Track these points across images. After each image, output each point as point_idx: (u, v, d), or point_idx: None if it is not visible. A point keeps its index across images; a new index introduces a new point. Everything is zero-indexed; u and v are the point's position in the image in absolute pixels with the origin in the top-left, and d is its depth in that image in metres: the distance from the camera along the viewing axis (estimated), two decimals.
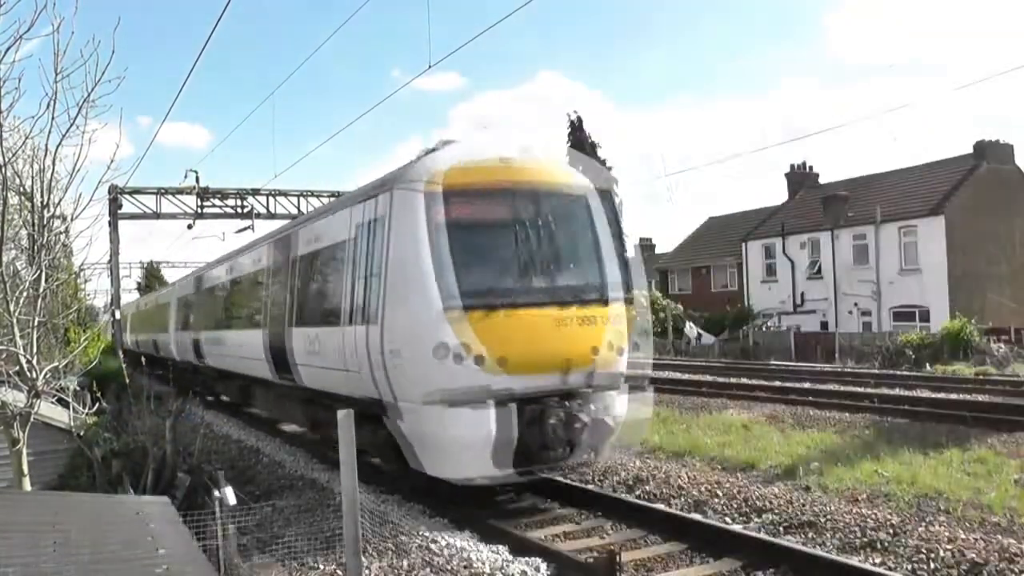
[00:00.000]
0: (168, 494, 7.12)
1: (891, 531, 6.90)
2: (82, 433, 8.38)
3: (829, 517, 7.42)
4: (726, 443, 11.28)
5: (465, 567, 6.55)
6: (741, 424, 12.96)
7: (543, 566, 6.58)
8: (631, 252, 10.61)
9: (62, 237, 7.85)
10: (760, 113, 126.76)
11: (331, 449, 6.10)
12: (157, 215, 34.03)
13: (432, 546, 7.09)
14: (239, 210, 34.92)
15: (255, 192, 35.21)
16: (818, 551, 6.68)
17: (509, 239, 8.28)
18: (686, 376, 22.08)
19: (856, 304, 34.52)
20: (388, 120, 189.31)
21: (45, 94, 6.09)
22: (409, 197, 8.11)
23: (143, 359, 26.02)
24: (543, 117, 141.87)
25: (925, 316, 31.66)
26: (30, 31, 5.80)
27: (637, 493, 9.07)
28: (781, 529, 7.46)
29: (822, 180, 42.66)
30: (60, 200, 7.12)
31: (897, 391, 16.78)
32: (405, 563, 6.66)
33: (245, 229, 35.68)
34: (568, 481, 9.67)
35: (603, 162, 45.35)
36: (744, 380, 20.43)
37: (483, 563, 6.62)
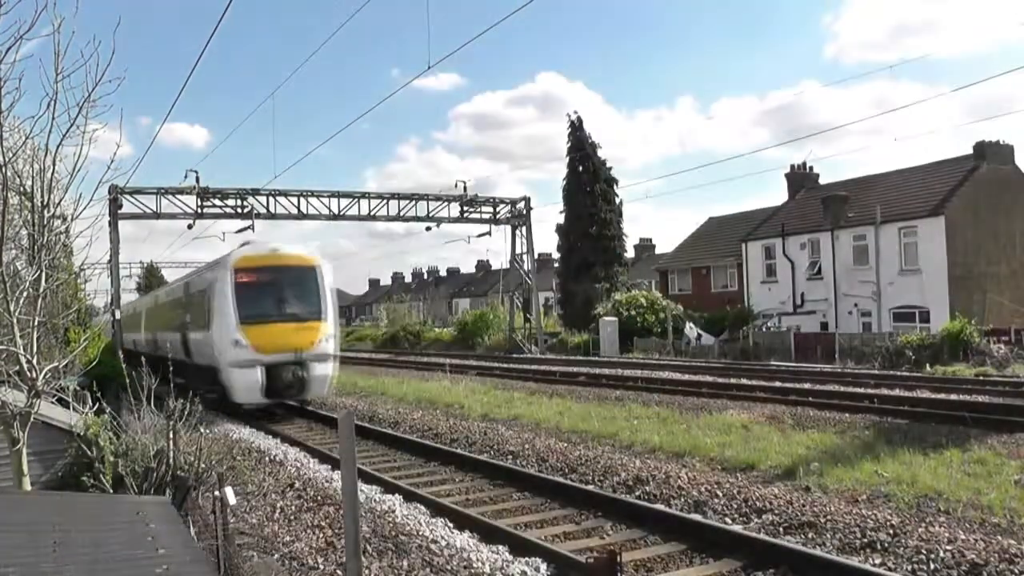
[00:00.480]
0: (168, 494, 7.13)
1: (891, 532, 6.91)
2: (82, 433, 8.37)
3: (829, 518, 7.42)
4: (726, 443, 11.28)
5: (465, 567, 6.56)
6: (741, 424, 12.97)
7: (543, 566, 6.59)
8: (332, 295, 18.51)
9: (62, 237, 7.84)
10: (760, 113, 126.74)
11: (198, 398, 8.75)
12: (157, 215, 34.08)
13: (432, 546, 7.10)
14: (239, 210, 34.96)
15: (255, 192, 35.24)
16: (818, 551, 6.68)
17: (268, 290, 17.41)
18: (686, 377, 22.09)
19: (856, 305, 34.51)
20: (388, 120, 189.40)
21: (45, 94, 6.08)
22: (223, 273, 17.33)
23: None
24: (543, 117, 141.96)
25: (925, 317, 31.65)
26: (30, 31, 5.78)
27: (637, 493, 9.08)
28: (781, 529, 7.46)
29: (822, 180, 42.71)
30: (60, 200, 7.12)
31: (897, 392, 16.77)
32: (405, 563, 6.67)
33: (245, 229, 35.74)
34: (568, 481, 9.72)
35: (603, 162, 45.46)
36: (744, 380, 20.43)
37: (483, 563, 6.63)
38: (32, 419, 6.62)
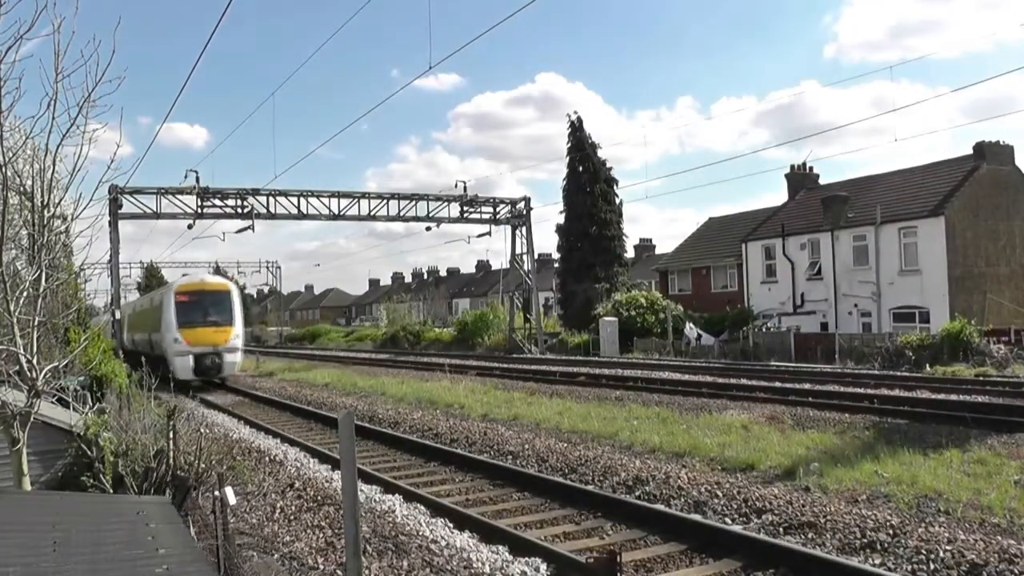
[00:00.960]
0: (168, 494, 7.12)
1: (891, 532, 6.91)
2: (82, 433, 8.37)
3: (829, 518, 7.42)
4: (726, 444, 11.28)
5: (465, 567, 6.56)
6: (741, 425, 12.97)
7: (543, 566, 6.59)
8: (240, 309, 28.68)
9: (62, 237, 7.82)
10: (760, 113, 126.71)
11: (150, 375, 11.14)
12: (157, 215, 34.09)
13: (432, 546, 7.10)
14: (239, 210, 34.97)
15: (255, 192, 35.25)
16: (818, 552, 6.68)
17: (197, 306, 27.13)
18: (686, 377, 22.09)
19: (856, 305, 34.50)
20: (388, 120, 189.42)
21: (45, 94, 6.06)
22: (169, 294, 27.85)
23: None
24: (543, 117, 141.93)
25: (925, 317, 31.64)
26: (30, 31, 5.77)
27: (637, 493, 9.08)
28: (781, 530, 7.46)
29: (822, 181, 42.70)
30: (60, 200, 7.10)
31: (897, 392, 16.77)
32: (405, 563, 6.67)
33: (245, 229, 35.82)
34: (568, 482, 9.72)
35: (603, 162, 45.44)
36: (744, 381, 20.43)
37: (483, 563, 6.63)
38: (32, 419, 6.62)
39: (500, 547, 7.10)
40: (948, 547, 6.40)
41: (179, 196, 34.13)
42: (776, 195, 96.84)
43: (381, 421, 16.24)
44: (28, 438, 6.70)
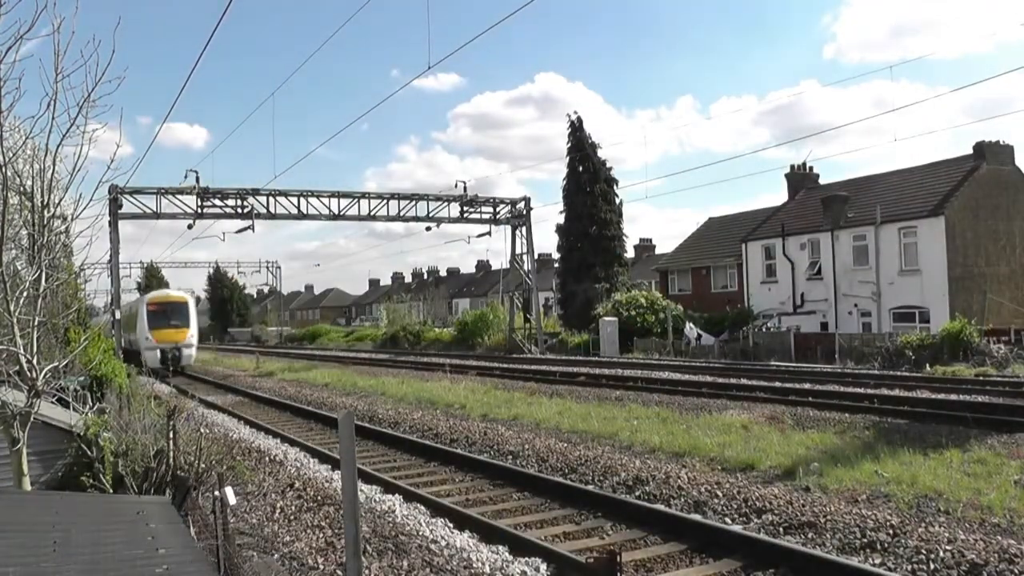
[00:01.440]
0: (168, 494, 7.12)
1: (891, 532, 6.90)
2: (82, 433, 8.37)
3: (829, 518, 7.42)
4: (726, 444, 11.28)
5: (465, 567, 6.56)
6: (741, 425, 12.97)
7: (543, 566, 6.59)
8: (195, 315, 37.31)
9: (62, 237, 7.82)
10: (760, 113, 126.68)
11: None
12: (157, 215, 34.13)
13: (432, 546, 7.10)
14: (239, 210, 35.00)
15: (255, 192, 35.27)
16: (818, 551, 6.68)
17: (163, 314, 35.07)
18: (686, 377, 22.09)
19: (856, 305, 34.51)
20: (388, 120, 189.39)
21: (45, 94, 6.05)
22: (142, 304, 36.54)
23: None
24: (543, 117, 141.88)
25: (925, 317, 31.65)
26: (30, 31, 5.77)
27: (637, 493, 9.08)
28: (781, 530, 7.46)
29: (822, 181, 42.69)
30: (60, 200, 7.10)
31: (897, 392, 16.76)
32: (405, 563, 6.67)
33: (245, 229, 35.87)
34: (568, 482, 9.72)
35: (603, 162, 45.43)
36: (744, 381, 20.43)
37: (483, 563, 6.63)
38: (32, 419, 6.62)
39: (500, 547, 7.09)
40: (948, 547, 6.39)
41: (179, 196, 34.16)
42: (776, 195, 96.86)
43: (381, 421, 16.24)
44: (28, 438, 6.70)
